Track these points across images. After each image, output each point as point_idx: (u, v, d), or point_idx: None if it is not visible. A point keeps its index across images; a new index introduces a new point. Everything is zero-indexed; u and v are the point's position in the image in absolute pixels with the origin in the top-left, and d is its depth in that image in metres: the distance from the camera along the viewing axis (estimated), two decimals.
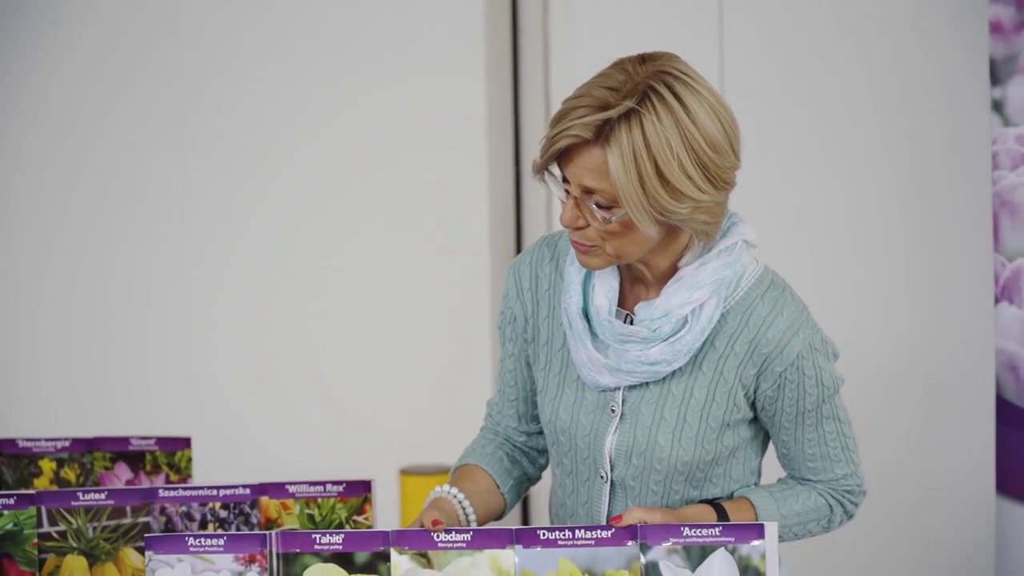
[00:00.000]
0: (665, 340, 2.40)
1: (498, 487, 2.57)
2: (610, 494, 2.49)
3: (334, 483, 2.70)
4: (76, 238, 4.54)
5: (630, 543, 2.26)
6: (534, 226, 4.36)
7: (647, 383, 2.45)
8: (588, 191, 2.32)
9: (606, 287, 2.45)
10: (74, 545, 2.58)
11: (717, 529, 2.27)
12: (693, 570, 2.26)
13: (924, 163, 3.96)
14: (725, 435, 2.45)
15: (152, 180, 4.51)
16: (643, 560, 2.26)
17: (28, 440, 2.98)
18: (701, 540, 2.26)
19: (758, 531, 2.26)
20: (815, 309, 2.50)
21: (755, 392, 2.43)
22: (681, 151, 2.28)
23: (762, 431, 2.51)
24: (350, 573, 2.26)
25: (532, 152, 2.70)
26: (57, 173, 4.52)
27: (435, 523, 2.32)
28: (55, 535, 2.57)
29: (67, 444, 2.98)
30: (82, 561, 2.59)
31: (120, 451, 2.99)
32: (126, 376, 4.54)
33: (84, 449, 2.99)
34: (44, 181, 4.52)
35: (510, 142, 4.48)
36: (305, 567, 2.27)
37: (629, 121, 2.27)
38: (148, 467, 2.99)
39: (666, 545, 2.27)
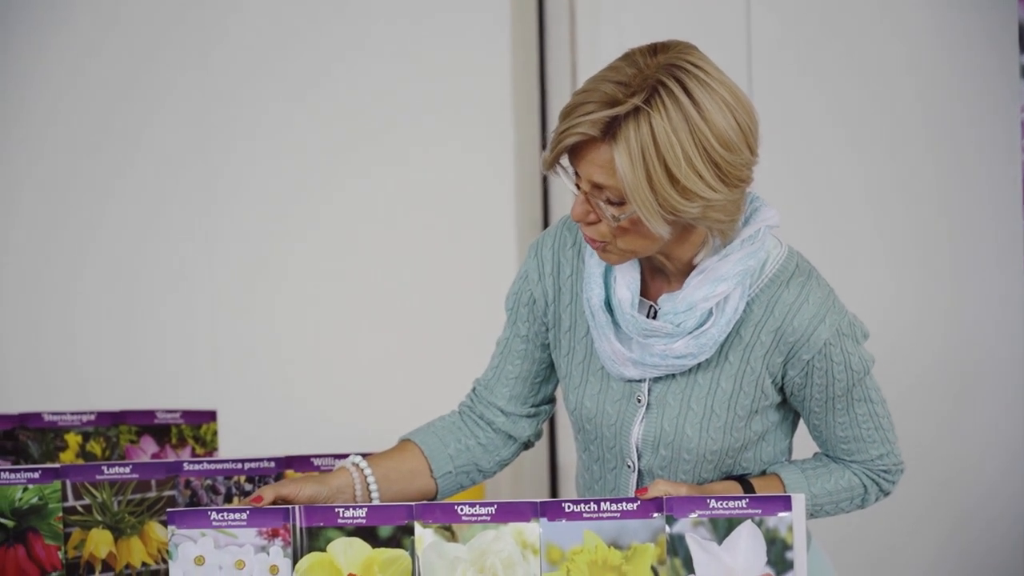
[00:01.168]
0: (690, 334, 2.36)
1: (431, 471, 2.53)
2: (637, 482, 2.47)
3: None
4: (107, 215, 4.54)
5: (656, 515, 2.24)
6: (563, 209, 4.35)
7: (673, 375, 2.42)
8: (598, 187, 2.27)
9: (628, 279, 2.40)
10: (99, 519, 2.58)
11: (744, 501, 2.24)
12: (720, 542, 2.24)
13: (952, 137, 3.93)
14: (754, 421, 2.42)
15: (182, 158, 4.52)
16: (669, 532, 2.24)
17: (53, 414, 2.98)
18: (727, 512, 2.24)
19: (785, 503, 2.24)
20: (846, 289, 2.47)
21: (783, 379, 2.40)
22: (691, 149, 2.22)
23: (792, 412, 2.48)
24: (374, 547, 2.25)
25: None
26: (95, 155, 4.52)
27: (255, 500, 2.32)
28: (80, 509, 2.57)
29: (92, 418, 2.98)
30: (107, 535, 2.59)
31: (146, 424, 2.99)
32: (152, 349, 4.54)
33: (110, 423, 2.98)
34: (83, 163, 4.53)
35: (536, 120, 4.47)
36: (328, 541, 2.26)
37: (637, 118, 2.21)
38: (174, 440, 2.99)
39: (692, 517, 2.24)
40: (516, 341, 2.56)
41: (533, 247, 2.55)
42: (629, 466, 2.46)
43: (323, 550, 2.25)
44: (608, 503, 2.25)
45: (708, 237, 2.35)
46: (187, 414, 3.00)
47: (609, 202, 2.28)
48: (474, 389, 2.62)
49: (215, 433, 3.01)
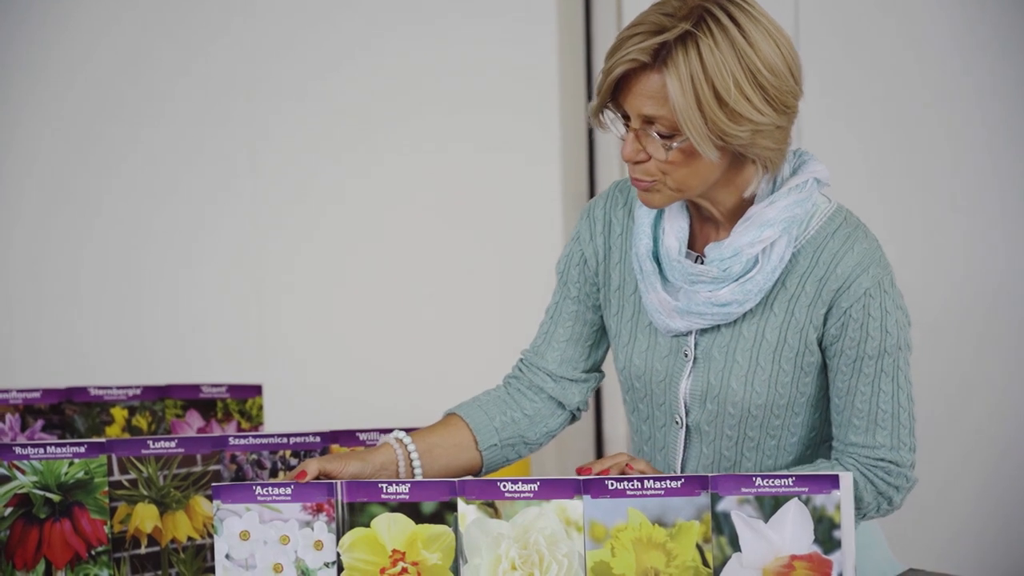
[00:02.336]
0: (735, 280, 2.38)
1: (476, 444, 2.54)
2: (685, 439, 2.49)
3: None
4: (152, 190, 4.56)
5: (701, 493, 2.23)
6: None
7: (719, 326, 2.43)
8: (648, 121, 2.30)
9: (676, 228, 2.43)
10: (145, 493, 2.59)
11: (790, 479, 2.22)
12: (766, 521, 2.23)
13: (1011, 110, 3.91)
14: (800, 380, 2.42)
15: (225, 137, 4.53)
16: (714, 510, 2.23)
17: (100, 388, 2.98)
18: (774, 490, 2.22)
19: (833, 481, 2.22)
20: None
21: (824, 332, 2.40)
22: (738, 72, 2.25)
23: None
24: (417, 523, 2.25)
25: None
26: (136, 122, 4.54)
27: (299, 476, 2.33)
28: (126, 483, 2.58)
29: (138, 392, 2.98)
30: (153, 509, 2.59)
31: (191, 399, 2.99)
32: (198, 324, 4.56)
33: (155, 397, 2.99)
34: (139, 136, 4.55)
35: (583, 92, 4.45)
36: (372, 516, 2.25)
37: (685, 44, 2.25)
38: (219, 415, 2.99)
39: (737, 495, 2.23)
40: (567, 303, 2.59)
41: (585, 210, 2.58)
42: (677, 422, 2.48)
43: (367, 526, 2.25)
44: (652, 480, 2.23)
45: (758, 171, 2.36)
46: (233, 388, 3.00)
47: (660, 135, 2.30)
48: (521, 360, 2.64)
49: (260, 407, 3.01)
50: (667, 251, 2.42)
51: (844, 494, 2.22)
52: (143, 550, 2.59)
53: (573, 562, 2.23)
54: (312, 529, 2.26)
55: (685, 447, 2.50)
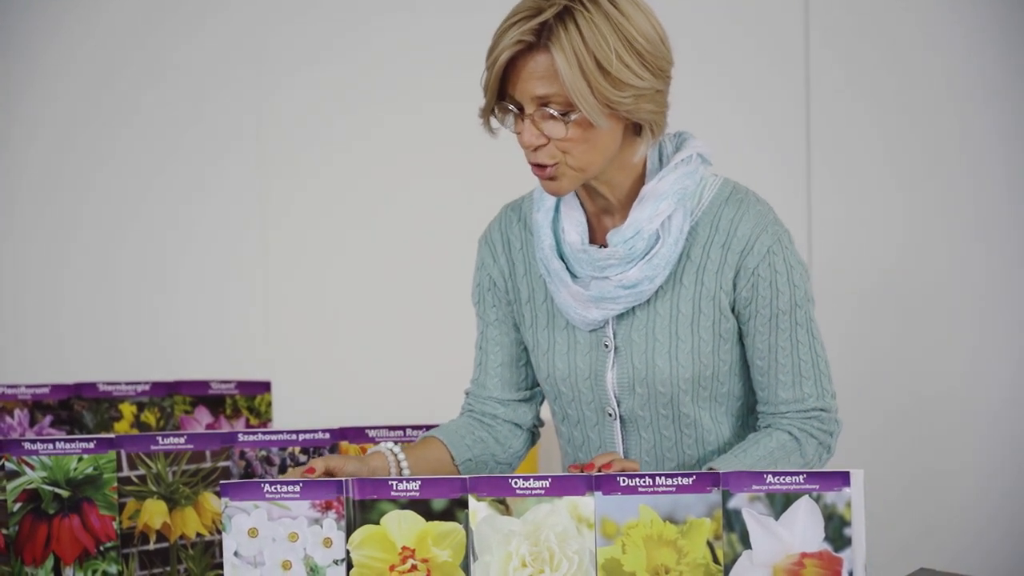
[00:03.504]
0: (642, 258, 2.43)
1: (452, 459, 2.58)
2: (622, 431, 2.53)
3: (414, 428, 2.68)
4: (164, 189, 4.55)
5: (712, 490, 2.22)
6: None
7: (633, 310, 2.48)
8: (541, 102, 2.36)
9: (574, 222, 2.49)
10: (154, 489, 2.58)
11: (801, 476, 2.22)
12: (777, 517, 2.22)
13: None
14: (721, 349, 2.47)
15: (234, 135, 4.52)
16: (725, 507, 2.22)
17: (108, 384, 2.98)
18: (785, 487, 2.22)
19: (844, 479, 2.21)
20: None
21: (735, 296, 2.46)
22: (616, 42, 2.32)
23: None
24: (427, 520, 2.24)
25: None
26: (142, 121, 4.53)
27: (308, 470, 2.34)
28: (135, 479, 2.57)
29: (147, 388, 2.98)
30: (162, 505, 2.59)
31: (200, 395, 2.98)
32: (207, 320, 4.55)
33: (164, 393, 2.98)
34: (132, 127, 4.54)
35: None
36: (382, 514, 2.25)
37: (564, 20, 2.32)
38: (228, 411, 2.99)
39: (748, 492, 2.22)
40: (490, 330, 2.64)
41: (482, 238, 2.65)
42: (610, 415, 2.52)
43: (376, 523, 2.25)
44: (663, 477, 2.23)
45: (646, 141, 2.42)
46: (241, 385, 3.00)
47: (553, 116, 2.36)
48: (467, 394, 2.68)
49: (269, 404, 3.00)
50: (570, 246, 2.48)
51: (855, 491, 2.22)
52: (152, 546, 2.59)
53: (584, 559, 2.23)
54: (321, 526, 2.25)
55: (623, 438, 2.53)
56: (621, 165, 2.44)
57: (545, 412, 2.67)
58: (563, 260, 2.49)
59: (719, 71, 4.23)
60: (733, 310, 2.47)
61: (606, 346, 2.50)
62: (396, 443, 2.51)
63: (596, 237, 2.50)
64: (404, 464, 2.48)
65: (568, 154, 2.38)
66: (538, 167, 2.41)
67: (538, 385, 2.66)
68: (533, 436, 2.69)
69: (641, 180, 2.47)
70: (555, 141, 2.37)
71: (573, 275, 2.48)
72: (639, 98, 2.35)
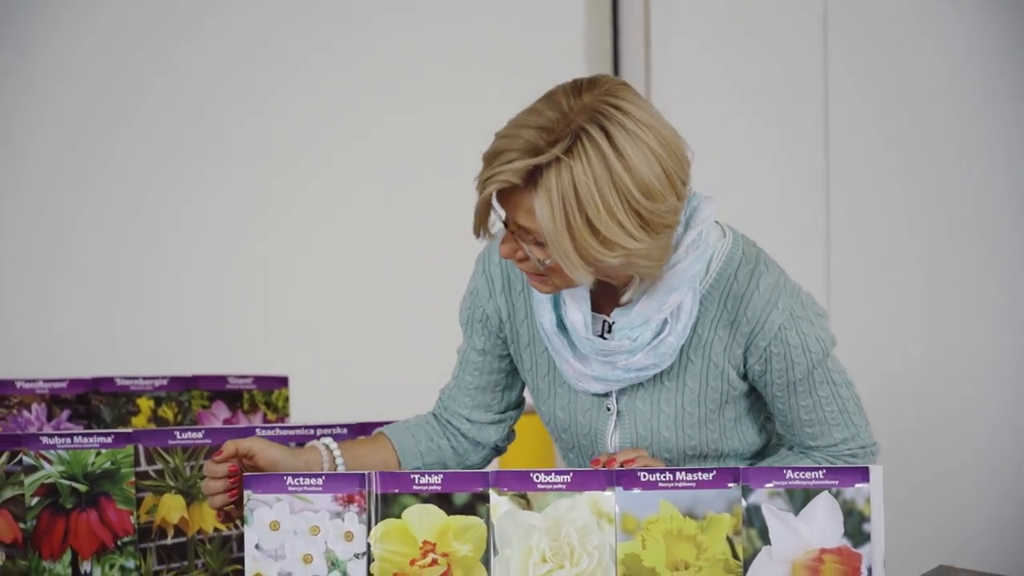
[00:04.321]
0: (648, 345, 2.33)
1: (399, 464, 2.53)
2: None
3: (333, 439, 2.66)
4: (178, 182, 4.55)
5: (731, 485, 2.23)
6: None
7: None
8: (524, 229, 2.23)
9: (578, 301, 2.37)
10: (171, 484, 2.59)
11: (820, 472, 2.23)
12: (796, 513, 2.23)
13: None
14: (726, 410, 2.41)
15: (234, 129, 4.52)
16: (745, 503, 2.23)
17: (126, 378, 2.98)
18: (804, 483, 2.23)
19: (863, 474, 2.22)
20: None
21: (745, 368, 2.37)
22: (612, 199, 2.16)
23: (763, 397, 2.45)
24: (449, 514, 2.24)
25: None
26: (164, 112, 4.54)
27: (217, 454, 2.34)
28: (152, 474, 2.57)
29: (165, 383, 2.98)
30: (179, 500, 2.59)
31: (217, 390, 2.99)
32: (224, 315, 4.55)
33: (182, 388, 2.98)
34: (160, 118, 4.54)
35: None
36: (404, 507, 2.25)
37: (559, 167, 2.16)
38: (245, 406, 2.99)
39: (768, 488, 2.23)
40: (472, 354, 2.55)
41: (480, 262, 2.52)
42: None
43: (398, 517, 2.25)
44: (684, 472, 2.23)
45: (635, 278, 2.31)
46: (259, 380, 3.00)
47: (536, 243, 2.24)
48: (440, 397, 2.62)
49: (287, 399, 3.00)
50: (573, 326, 2.35)
51: (874, 486, 2.23)
52: (169, 541, 2.59)
53: (604, 554, 2.23)
54: (343, 520, 2.25)
55: None
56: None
57: None
58: (566, 333, 2.39)
59: (736, 83, 4.25)
60: (744, 377, 2.39)
61: (608, 409, 2.43)
62: (334, 439, 2.47)
63: (601, 306, 2.39)
64: (339, 461, 2.43)
65: (548, 276, 2.28)
66: (521, 268, 2.31)
67: (512, 408, 2.59)
68: (496, 450, 2.62)
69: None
70: (533, 261, 2.26)
71: (574, 346, 2.38)
72: (629, 256, 2.22)
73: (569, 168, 2.15)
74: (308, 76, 4.51)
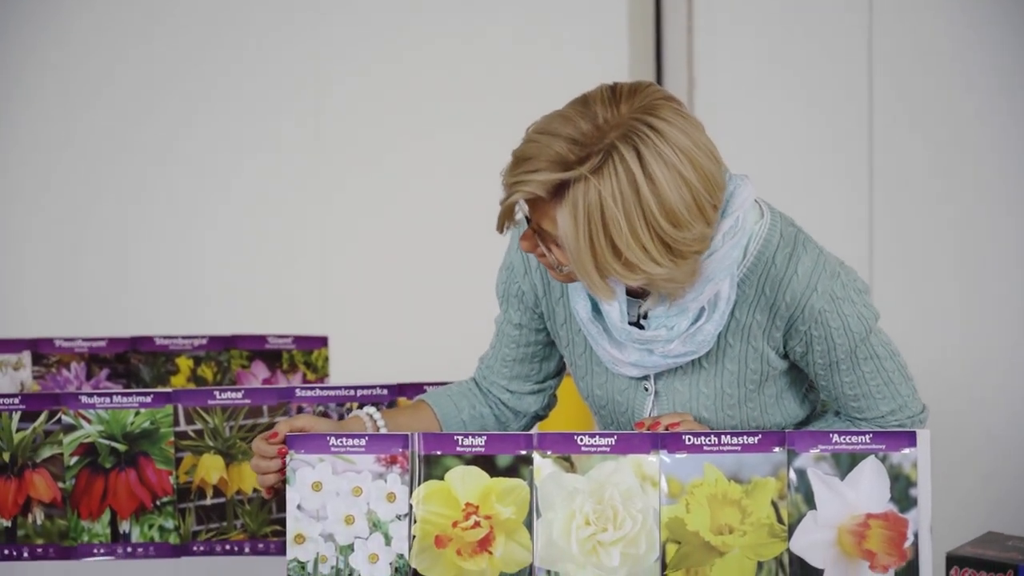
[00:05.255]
0: (685, 332, 2.28)
1: (441, 431, 2.46)
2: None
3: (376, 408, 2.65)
4: (220, 143, 4.55)
5: (777, 449, 2.21)
6: None
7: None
8: (546, 233, 2.18)
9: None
10: (211, 444, 2.58)
11: (867, 436, 2.21)
12: (842, 478, 2.21)
13: None
14: (766, 387, 2.36)
15: (294, 94, 4.53)
16: (790, 467, 2.21)
17: (165, 337, 2.97)
18: (850, 448, 2.21)
19: (910, 439, 2.20)
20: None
21: (785, 349, 2.32)
22: (639, 224, 2.10)
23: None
24: (492, 476, 2.23)
25: None
26: (205, 79, 4.54)
27: (271, 436, 2.29)
28: (192, 434, 2.56)
29: (204, 342, 2.97)
30: (219, 460, 2.58)
31: (257, 349, 2.98)
32: (263, 275, 4.55)
33: (221, 347, 2.97)
34: (200, 84, 4.55)
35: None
36: (446, 469, 2.23)
37: (587, 185, 2.10)
38: (285, 366, 2.98)
39: (814, 452, 2.21)
40: (509, 327, 2.50)
41: (515, 237, 2.45)
42: None
43: (441, 478, 2.24)
44: (729, 436, 2.22)
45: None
46: (299, 339, 2.99)
47: (557, 246, 2.19)
48: (480, 365, 2.58)
49: (326, 359, 2.99)
50: (608, 315, 2.29)
51: (921, 451, 2.21)
52: (208, 501, 2.58)
53: (648, 518, 2.21)
54: (385, 481, 2.24)
55: None
56: None
57: None
58: (601, 319, 2.33)
59: (779, 80, 4.24)
60: (785, 357, 2.34)
61: (646, 390, 2.39)
62: (376, 407, 2.44)
63: (637, 291, 2.32)
64: (383, 431, 2.39)
65: (572, 275, 2.22)
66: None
67: (552, 378, 2.55)
68: (537, 418, 2.59)
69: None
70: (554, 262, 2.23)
71: (610, 333, 2.33)
72: (651, 280, 2.17)
73: (597, 188, 2.09)
74: (364, 54, 4.52)
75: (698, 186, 2.12)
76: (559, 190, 2.12)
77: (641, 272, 2.13)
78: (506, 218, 2.21)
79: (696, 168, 2.12)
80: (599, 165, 2.09)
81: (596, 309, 2.33)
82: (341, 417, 2.57)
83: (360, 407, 2.55)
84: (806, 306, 2.26)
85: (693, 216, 2.12)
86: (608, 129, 2.11)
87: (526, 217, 2.20)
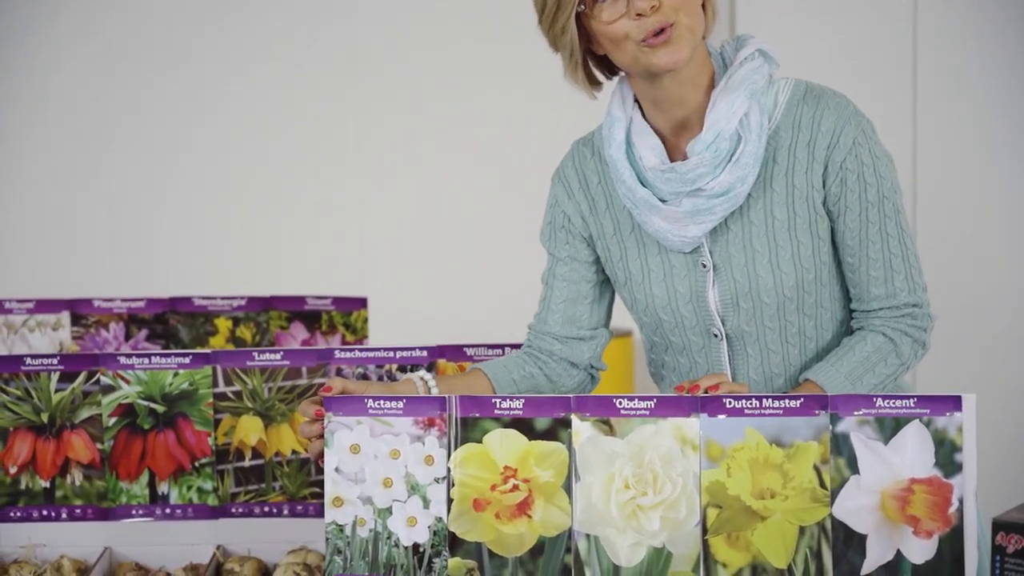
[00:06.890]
0: (728, 160, 2.37)
1: (494, 393, 2.50)
2: (729, 351, 2.47)
3: (512, 346, 2.65)
4: (255, 111, 4.56)
5: (819, 413, 2.18)
6: None
7: (727, 224, 2.42)
8: None
9: (650, 146, 2.43)
10: (249, 405, 2.57)
11: (912, 400, 2.17)
12: (886, 442, 2.18)
13: None
14: (820, 249, 2.42)
15: (329, 65, 4.52)
16: (833, 431, 2.18)
17: (204, 298, 2.96)
18: (894, 412, 2.17)
19: (955, 403, 2.17)
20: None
21: (825, 193, 2.40)
22: None
23: None
24: (530, 439, 2.21)
25: None
26: (256, 45, 4.55)
27: (326, 388, 2.27)
28: (230, 395, 2.55)
29: (243, 303, 2.96)
30: (257, 422, 2.57)
31: (296, 311, 2.96)
32: (302, 236, 4.55)
33: (260, 308, 2.96)
34: (237, 56, 4.55)
35: None
36: (484, 432, 2.22)
37: None
38: (324, 327, 2.96)
39: (857, 416, 2.18)
40: (558, 266, 2.57)
41: (556, 175, 2.58)
42: (716, 335, 2.46)
43: (479, 441, 2.22)
44: (770, 399, 2.19)
45: (710, 21, 2.41)
46: (338, 300, 2.97)
47: None
48: (529, 330, 2.61)
49: (365, 320, 2.97)
50: (651, 171, 2.41)
51: (967, 416, 2.17)
52: (247, 463, 2.57)
53: (688, 482, 2.19)
54: (423, 444, 2.23)
55: (731, 358, 2.48)
56: (693, 81, 2.40)
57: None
58: (647, 188, 2.43)
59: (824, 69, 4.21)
60: (826, 207, 2.42)
61: (704, 266, 2.44)
62: (430, 371, 2.46)
63: (674, 157, 2.45)
64: (435, 393, 2.40)
65: (681, 11, 2.32)
66: (654, 36, 2.33)
67: (601, 326, 2.61)
68: (592, 379, 2.62)
69: (710, 91, 2.41)
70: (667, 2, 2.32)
71: (661, 199, 2.42)
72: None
73: None
74: (402, 16, 4.51)
75: None
76: None
77: None
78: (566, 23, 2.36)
79: None
80: None
81: (642, 180, 2.43)
82: (380, 378, 2.56)
83: (401, 369, 2.54)
84: (842, 134, 2.39)
85: None
86: None
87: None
